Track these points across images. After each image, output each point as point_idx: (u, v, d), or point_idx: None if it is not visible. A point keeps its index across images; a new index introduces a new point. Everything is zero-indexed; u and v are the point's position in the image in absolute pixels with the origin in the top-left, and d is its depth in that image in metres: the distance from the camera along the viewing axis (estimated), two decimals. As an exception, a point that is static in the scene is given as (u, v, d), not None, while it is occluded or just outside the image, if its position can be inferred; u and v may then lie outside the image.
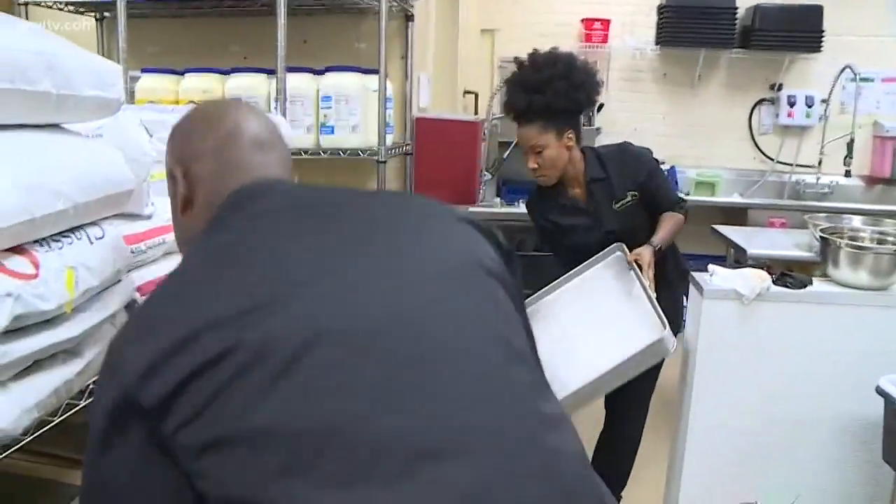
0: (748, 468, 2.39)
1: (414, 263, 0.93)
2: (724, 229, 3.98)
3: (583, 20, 4.86)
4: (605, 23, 4.82)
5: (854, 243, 2.46)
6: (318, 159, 2.78)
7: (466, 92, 4.56)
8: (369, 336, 0.83)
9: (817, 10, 4.53)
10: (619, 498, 2.70)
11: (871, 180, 4.86)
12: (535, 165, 2.51)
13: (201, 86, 2.81)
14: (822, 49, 4.62)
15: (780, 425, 2.36)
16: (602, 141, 4.80)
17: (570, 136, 2.49)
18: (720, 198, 4.81)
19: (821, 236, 2.53)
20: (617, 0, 4.88)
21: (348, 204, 1.03)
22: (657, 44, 4.84)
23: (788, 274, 2.46)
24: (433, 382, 0.82)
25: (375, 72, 2.75)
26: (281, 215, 0.98)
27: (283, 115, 2.52)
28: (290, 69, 2.59)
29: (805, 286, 2.38)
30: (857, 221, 3.62)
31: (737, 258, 4.22)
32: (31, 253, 1.18)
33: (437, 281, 0.93)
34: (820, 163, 4.72)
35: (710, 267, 2.47)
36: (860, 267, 2.40)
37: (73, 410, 1.30)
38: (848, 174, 4.57)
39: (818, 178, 4.80)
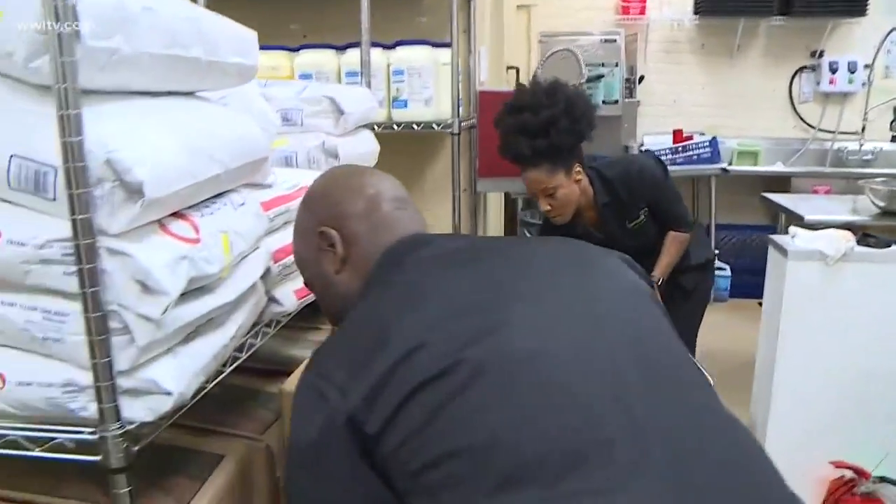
0: (836, 428, 2.40)
1: (596, 289, 1.00)
2: (776, 197, 3.96)
3: (619, -5, 4.84)
4: (642, -4, 4.80)
5: None
6: (390, 133, 2.79)
7: (508, 67, 4.55)
8: (576, 354, 0.87)
9: (861, -27, 4.50)
10: None
11: (916, 145, 4.83)
12: (549, 207, 2.42)
13: (269, 63, 2.81)
14: (866, 12, 4.57)
15: (866, 384, 2.37)
16: (643, 114, 4.81)
17: (578, 169, 2.40)
18: (763, 167, 4.79)
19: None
20: (655, -29, 4.85)
21: (506, 247, 1.11)
22: (695, 14, 4.82)
23: (870, 234, 2.46)
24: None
25: (445, 45, 2.75)
26: (449, 257, 1.06)
27: (368, 86, 2.52)
28: (353, 44, 2.59)
29: (889, 245, 2.38)
30: (915, 185, 3.60)
31: (789, 225, 4.22)
32: (189, 217, 1.18)
33: (622, 302, 0.99)
34: (863, 129, 4.67)
35: (792, 229, 2.47)
36: None
37: (219, 378, 1.31)
38: (894, 139, 4.53)
39: (861, 145, 4.75)
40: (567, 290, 0.97)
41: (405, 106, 2.73)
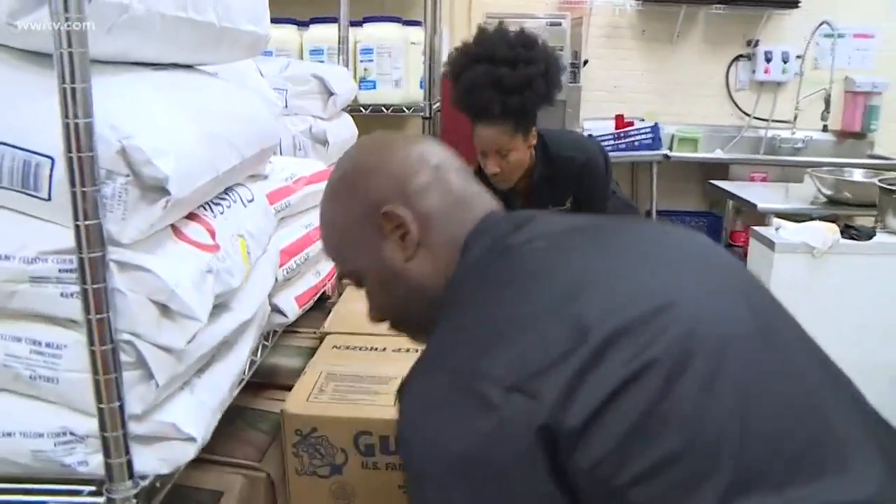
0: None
1: (720, 270, 0.87)
2: (724, 184, 3.95)
3: (561, -22, 4.72)
4: (585, -21, 4.69)
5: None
6: (356, 116, 2.57)
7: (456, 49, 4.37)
8: (764, 341, 0.78)
9: (795, -34, 4.52)
10: None
11: (843, 134, 4.91)
12: (498, 170, 2.16)
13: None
14: (799, 4, 4.60)
15: (849, 375, 2.33)
16: (584, 99, 4.72)
17: (534, 133, 2.20)
18: (702, 154, 4.79)
19: (881, 187, 2.50)
20: (597, -45, 4.74)
21: (613, 225, 0.97)
22: (637, 0, 4.74)
23: (852, 226, 2.42)
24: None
25: (414, 23, 2.55)
26: (573, 236, 0.91)
27: (346, 66, 2.29)
28: (317, 20, 2.36)
29: (871, 237, 2.34)
30: (857, 175, 3.64)
31: (738, 212, 4.21)
32: (202, 219, 0.96)
33: (744, 284, 0.87)
34: (795, 118, 4.73)
35: (776, 221, 2.41)
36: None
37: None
38: (825, 129, 4.60)
39: (793, 133, 4.82)
40: (711, 269, 0.86)
41: (374, 87, 2.51)
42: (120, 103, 0.79)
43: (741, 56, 4.93)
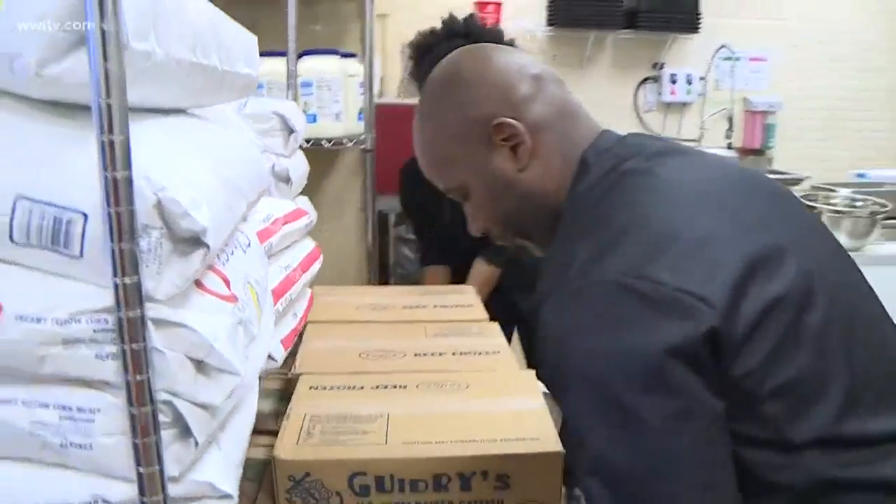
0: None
1: (808, 217, 0.94)
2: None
3: (475, 3, 4.79)
4: (497, 6, 4.78)
5: (834, 207, 2.57)
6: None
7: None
8: (844, 285, 0.86)
9: (694, -7, 4.75)
10: None
11: (745, 151, 5.17)
12: None
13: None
14: (699, 29, 4.83)
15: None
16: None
17: None
18: (616, 175, 4.93)
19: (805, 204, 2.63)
20: (508, -18, 4.86)
21: (716, 159, 0.99)
22: (548, 25, 4.87)
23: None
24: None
25: (351, 55, 2.54)
26: (686, 160, 0.92)
27: (294, 100, 2.25)
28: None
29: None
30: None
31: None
32: (216, 268, 0.93)
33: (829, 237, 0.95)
34: (701, 137, 4.94)
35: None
36: (839, 230, 2.51)
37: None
38: (730, 146, 4.83)
39: (700, 152, 5.03)
40: (792, 213, 0.92)
41: (314, 120, 2.48)
42: (149, 153, 0.76)
43: (648, 79, 5.12)
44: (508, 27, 4.79)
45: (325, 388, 1.51)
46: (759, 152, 5.18)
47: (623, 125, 4.77)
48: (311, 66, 2.47)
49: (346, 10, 2.74)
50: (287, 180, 1.57)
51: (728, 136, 4.77)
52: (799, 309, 0.76)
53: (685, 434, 0.71)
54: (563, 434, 1.19)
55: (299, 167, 1.73)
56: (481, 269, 2.31)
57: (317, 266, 1.47)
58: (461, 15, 2.17)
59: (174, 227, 0.76)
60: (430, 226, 2.39)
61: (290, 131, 1.59)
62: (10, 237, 0.74)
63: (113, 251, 0.71)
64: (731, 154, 5.08)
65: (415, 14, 4.72)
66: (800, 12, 5.11)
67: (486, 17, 4.68)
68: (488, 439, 1.26)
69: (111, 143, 0.70)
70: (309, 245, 1.48)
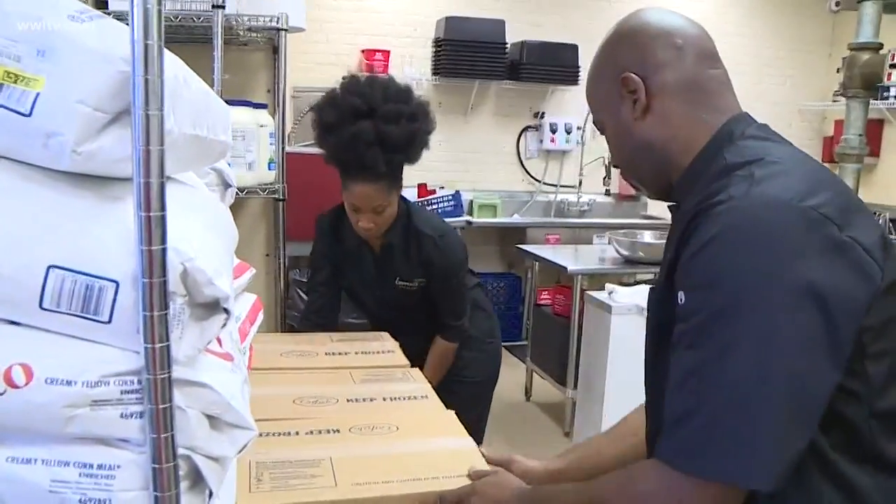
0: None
1: None
2: (530, 248, 4.26)
3: (363, 51, 4.92)
4: (386, 53, 4.93)
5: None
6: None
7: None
8: None
9: (574, 48, 5.06)
10: None
11: (621, 197, 5.50)
12: (372, 225, 2.11)
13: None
14: (578, 82, 5.14)
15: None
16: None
17: (400, 186, 2.17)
18: (501, 218, 5.14)
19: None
20: (396, 33, 5.02)
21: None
22: (434, 74, 5.06)
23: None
24: None
25: (262, 106, 2.59)
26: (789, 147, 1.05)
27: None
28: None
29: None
30: (647, 236, 4.08)
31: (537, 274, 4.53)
32: (209, 327, 0.99)
33: None
34: (580, 183, 5.23)
35: (609, 286, 2.68)
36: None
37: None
38: (608, 192, 5.14)
39: (579, 197, 5.32)
40: None
41: (229, 170, 2.51)
42: (175, 225, 0.82)
43: (529, 127, 5.39)
44: (396, 75, 4.95)
45: (260, 436, 1.55)
46: (634, 198, 5.53)
47: (507, 171, 5.05)
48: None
49: (251, 59, 2.79)
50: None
51: (606, 184, 5.05)
52: None
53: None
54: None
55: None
56: (440, 345, 2.30)
57: (261, 317, 1.52)
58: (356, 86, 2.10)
59: (196, 294, 0.82)
60: (332, 278, 2.35)
61: (227, 186, 1.63)
62: (41, 304, 0.78)
63: (146, 318, 0.77)
64: (609, 200, 5.40)
65: (302, 60, 4.80)
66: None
67: (375, 65, 4.82)
68: (430, 477, 1.35)
69: (149, 220, 0.76)
70: (251, 298, 1.52)
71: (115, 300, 0.78)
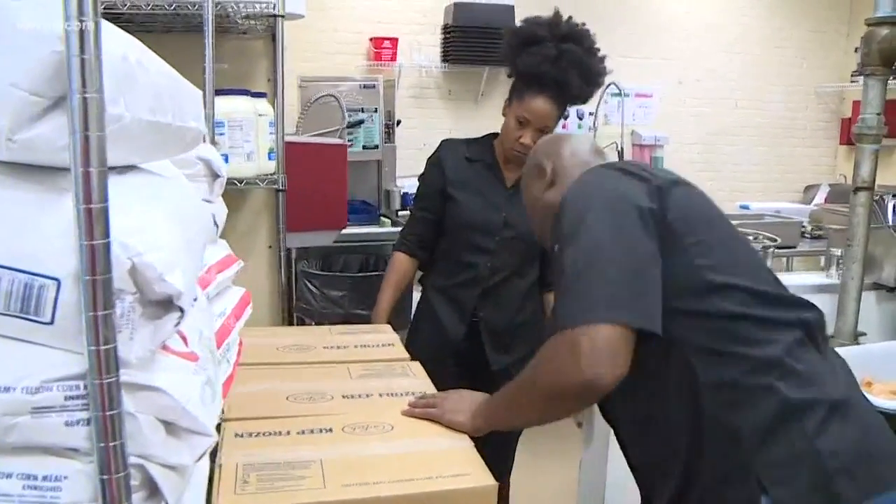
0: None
1: None
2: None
3: (371, 39, 4.85)
4: (394, 41, 4.84)
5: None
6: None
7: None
8: None
9: (584, 33, 4.95)
10: None
11: (634, 183, 5.40)
12: (531, 143, 2.12)
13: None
14: (589, 67, 5.03)
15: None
16: (399, 156, 4.85)
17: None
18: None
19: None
20: (404, 20, 4.93)
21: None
22: (443, 62, 4.97)
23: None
24: None
25: (261, 95, 2.53)
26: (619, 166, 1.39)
27: (213, 143, 2.20)
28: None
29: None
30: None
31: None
32: (173, 325, 0.93)
33: None
34: (593, 170, 5.13)
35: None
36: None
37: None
38: (619, 178, 5.03)
39: (592, 184, 5.22)
40: None
41: (226, 161, 2.44)
42: (120, 217, 0.76)
43: (541, 114, 5.29)
44: (404, 63, 4.88)
45: (251, 435, 1.49)
46: (646, 183, 5.42)
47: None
48: (222, 107, 2.44)
49: (251, 47, 2.73)
50: (214, 225, 1.56)
51: (617, 169, 4.97)
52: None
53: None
54: None
55: (222, 211, 1.71)
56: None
57: (248, 312, 1.47)
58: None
59: (147, 291, 0.76)
60: (433, 211, 2.39)
61: (216, 176, 1.58)
62: (-24, 305, 0.72)
63: (90, 318, 0.71)
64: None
65: (309, 49, 4.74)
66: (682, 53, 5.41)
67: (383, 53, 4.75)
68: (423, 477, 1.29)
69: (89, 212, 0.70)
70: (239, 291, 1.47)
71: (56, 299, 0.73)
